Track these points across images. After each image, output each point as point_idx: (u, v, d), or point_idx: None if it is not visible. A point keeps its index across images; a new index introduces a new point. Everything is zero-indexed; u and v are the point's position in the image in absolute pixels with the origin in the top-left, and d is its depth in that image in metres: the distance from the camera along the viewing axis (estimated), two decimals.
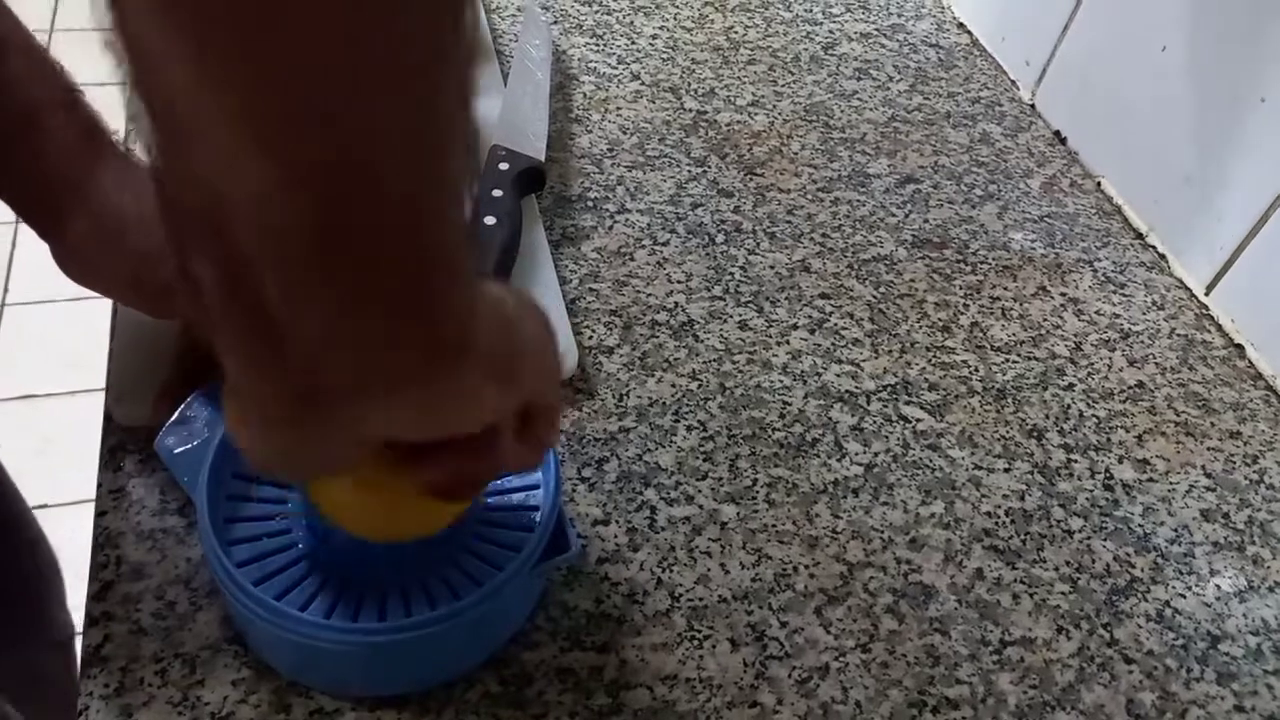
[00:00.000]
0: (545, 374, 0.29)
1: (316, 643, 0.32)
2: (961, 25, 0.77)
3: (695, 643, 0.39)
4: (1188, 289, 0.58)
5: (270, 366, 0.23)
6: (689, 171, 0.61)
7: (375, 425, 0.25)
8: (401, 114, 0.19)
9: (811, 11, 0.76)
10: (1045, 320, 0.55)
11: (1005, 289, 0.57)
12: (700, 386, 0.49)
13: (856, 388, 0.50)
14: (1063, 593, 0.43)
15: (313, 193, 0.19)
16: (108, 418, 0.42)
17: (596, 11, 0.73)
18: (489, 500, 0.38)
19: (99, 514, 0.40)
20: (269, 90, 0.17)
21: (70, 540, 0.72)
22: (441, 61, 0.19)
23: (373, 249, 0.20)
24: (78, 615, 0.48)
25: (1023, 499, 0.46)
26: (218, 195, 0.19)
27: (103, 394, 0.43)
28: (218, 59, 0.17)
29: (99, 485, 0.41)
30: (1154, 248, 0.61)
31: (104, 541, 0.39)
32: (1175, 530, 0.46)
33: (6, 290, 1.56)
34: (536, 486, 0.38)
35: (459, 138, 0.21)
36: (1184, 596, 0.43)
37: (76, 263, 0.38)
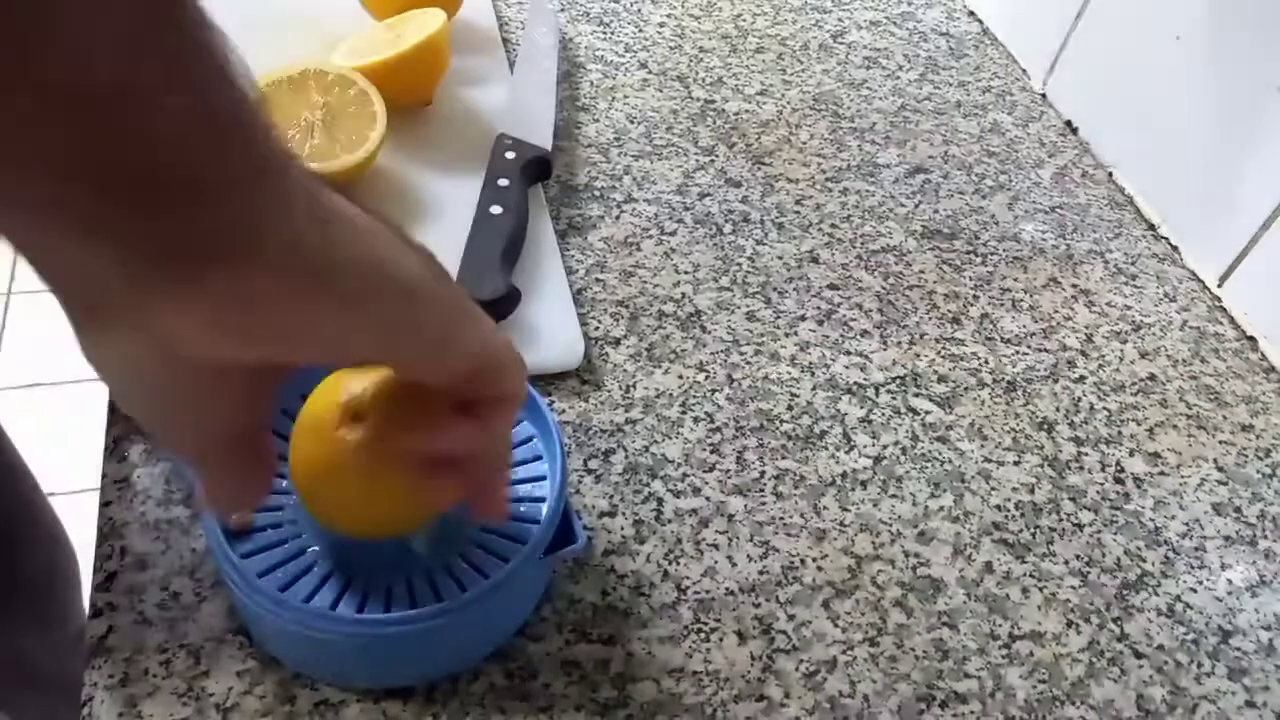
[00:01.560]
0: (437, 325, 0.26)
1: (321, 635, 0.32)
2: (972, 13, 0.77)
3: (702, 635, 0.39)
4: (1200, 281, 0.58)
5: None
6: (696, 161, 0.60)
7: (170, 336, 0.22)
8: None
9: None
10: (1056, 312, 0.55)
11: (1015, 280, 0.56)
12: (707, 378, 0.48)
13: (865, 379, 0.49)
14: (1073, 587, 0.42)
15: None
16: (112, 407, 0.42)
17: None
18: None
19: (104, 504, 0.40)
20: None
21: (73, 530, 0.72)
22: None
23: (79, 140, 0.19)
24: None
25: (1033, 492, 0.46)
26: None
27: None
28: None
29: (104, 475, 0.41)
30: (1166, 239, 0.60)
31: (109, 532, 0.39)
32: (1186, 524, 0.46)
33: (12, 278, 1.57)
34: (543, 478, 0.38)
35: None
36: (1195, 591, 0.43)
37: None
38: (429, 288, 0.26)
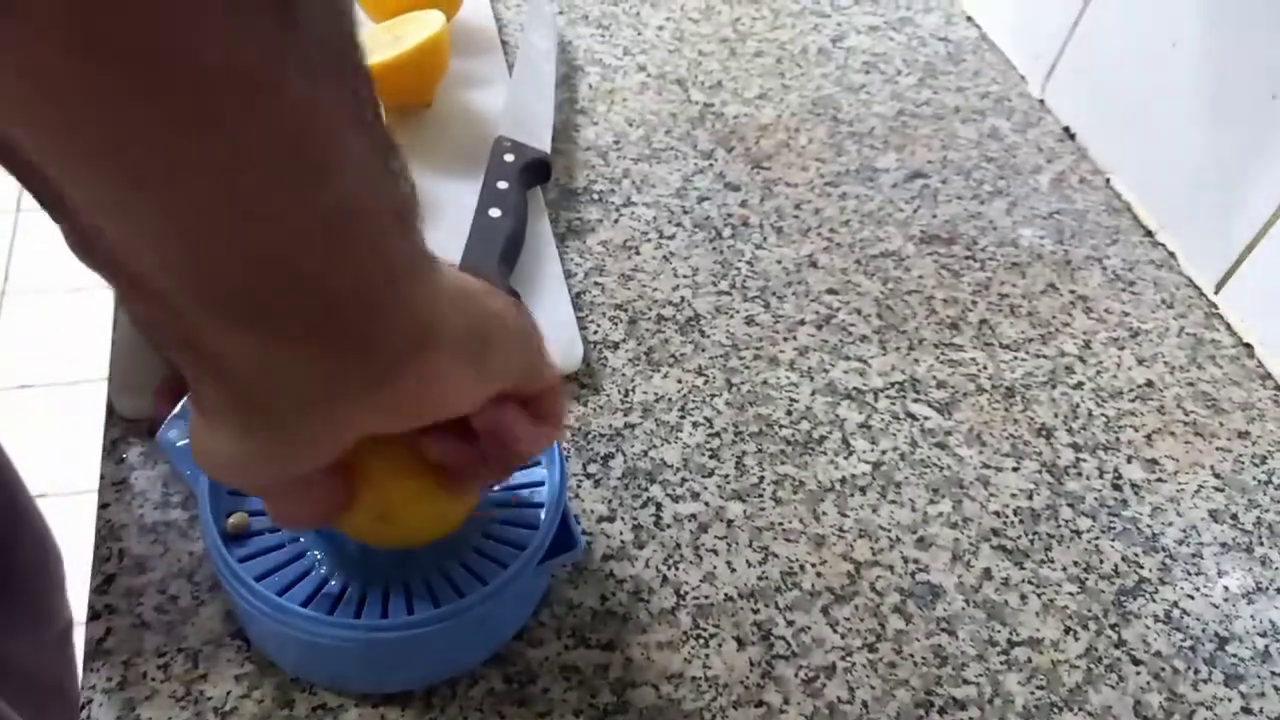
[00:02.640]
0: (523, 355, 0.29)
1: (319, 639, 0.32)
2: (970, 19, 0.77)
3: (701, 641, 0.39)
4: (1197, 287, 0.58)
5: (213, 383, 0.23)
6: (695, 164, 0.60)
7: (343, 429, 0.24)
8: (315, 206, 0.20)
9: (819, 4, 0.76)
10: (1054, 318, 0.55)
11: (1014, 286, 0.56)
12: (706, 382, 0.48)
13: (864, 385, 0.49)
14: (1070, 593, 0.42)
15: (233, 271, 0.20)
16: (110, 410, 0.42)
17: (603, 2, 0.72)
18: (494, 496, 0.37)
19: (101, 506, 0.40)
20: (189, 196, 0.18)
21: (69, 531, 0.72)
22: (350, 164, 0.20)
23: (294, 298, 0.21)
24: (79, 608, 0.48)
25: (1031, 498, 0.46)
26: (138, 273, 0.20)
27: (103, 384, 0.43)
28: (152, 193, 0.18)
29: (101, 477, 0.41)
30: (1163, 245, 0.60)
31: (106, 534, 0.39)
32: (1184, 531, 0.46)
33: (7, 278, 1.56)
34: (541, 483, 0.38)
35: (385, 181, 0.21)
36: (1192, 598, 0.43)
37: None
38: (519, 324, 0.28)
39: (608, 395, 0.47)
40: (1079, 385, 0.51)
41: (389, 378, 0.23)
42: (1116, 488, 0.47)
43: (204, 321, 0.21)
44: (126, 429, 0.42)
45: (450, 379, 0.25)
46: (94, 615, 0.36)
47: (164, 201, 0.18)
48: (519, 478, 0.38)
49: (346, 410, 0.24)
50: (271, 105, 0.17)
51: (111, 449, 0.42)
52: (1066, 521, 0.45)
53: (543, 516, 0.35)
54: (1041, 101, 0.70)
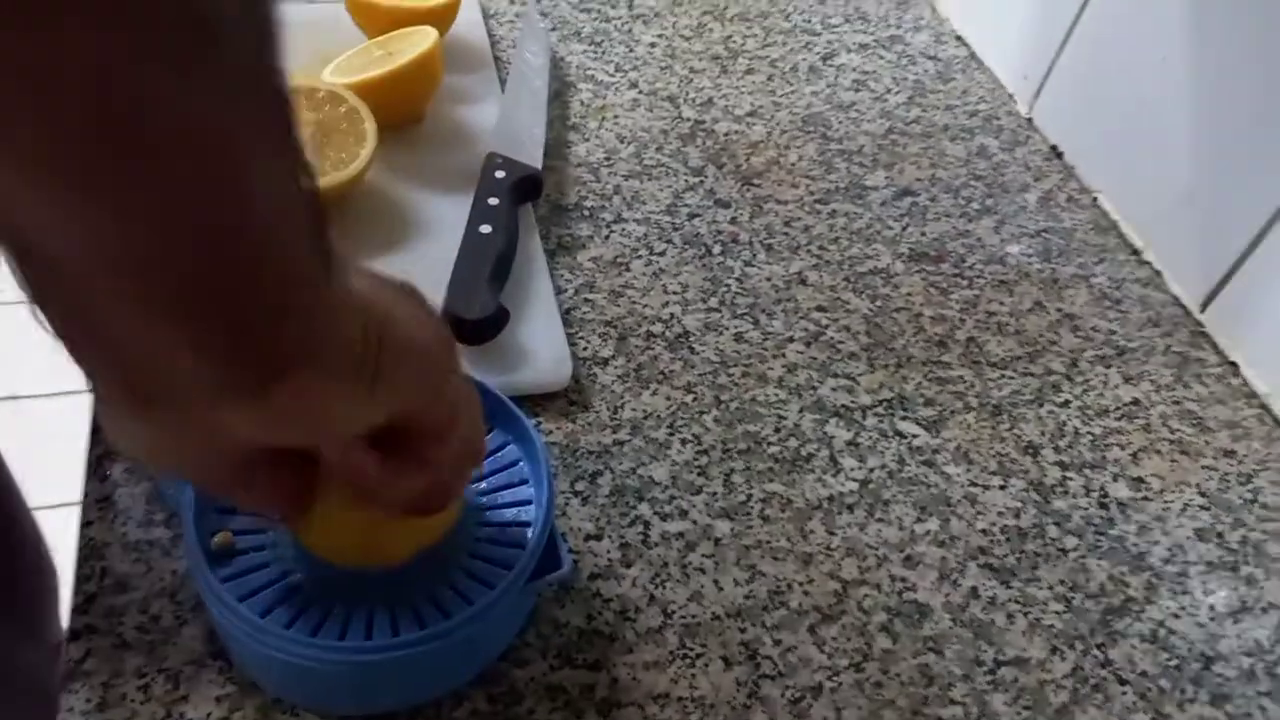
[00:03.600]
0: (423, 382, 0.27)
1: (301, 661, 0.32)
2: (959, 38, 0.77)
3: (688, 661, 0.38)
4: (1183, 306, 0.58)
5: (106, 369, 0.23)
6: (686, 181, 0.61)
7: (225, 432, 0.24)
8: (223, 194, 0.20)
9: (810, 22, 0.76)
10: (1041, 336, 0.55)
11: (1001, 304, 0.56)
12: (695, 399, 0.48)
13: (852, 402, 0.49)
14: (1057, 612, 0.42)
15: (126, 262, 0.20)
16: (95, 427, 0.42)
17: (595, 19, 0.73)
18: (481, 515, 0.37)
19: (84, 524, 0.39)
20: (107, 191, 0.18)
21: (51, 544, 0.71)
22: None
23: (182, 298, 0.21)
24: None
25: (1018, 516, 0.46)
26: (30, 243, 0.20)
27: (87, 397, 0.42)
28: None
29: (85, 494, 0.40)
30: (1149, 264, 0.60)
31: (89, 553, 0.38)
32: (1170, 549, 0.46)
33: None
34: (529, 502, 0.37)
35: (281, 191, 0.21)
36: (1178, 617, 0.43)
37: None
38: (426, 348, 0.27)
39: (597, 412, 0.47)
40: (1066, 403, 0.51)
41: (263, 392, 0.23)
42: (1103, 506, 0.47)
43: (94, 297, 0.21)
44: (111, 446, 0.42)
45: (331, 399, 0.24)
46: (74, 635, 0.36)
47: (71, 199, 0.18)
48: (505, 497, 0.38)
49: (221, 415, 0.23)
50: (185, 127, 0.18)
51: (96, 465, 0.41)
52: (1053, 540, 0.45)
53: (530, 536, 0.35)
54: (1029, 120, 0.70)
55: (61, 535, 0.56)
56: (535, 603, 0.39)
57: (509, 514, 0.37)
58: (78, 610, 0.37)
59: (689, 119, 0.65)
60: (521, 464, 0.39)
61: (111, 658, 0.35)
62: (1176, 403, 0.53)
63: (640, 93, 0.67)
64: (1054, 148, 0.68)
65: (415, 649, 0.32)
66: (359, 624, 0.34)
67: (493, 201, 0.52)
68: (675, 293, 0.54)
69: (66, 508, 1.15)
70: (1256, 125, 0.53)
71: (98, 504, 0.40)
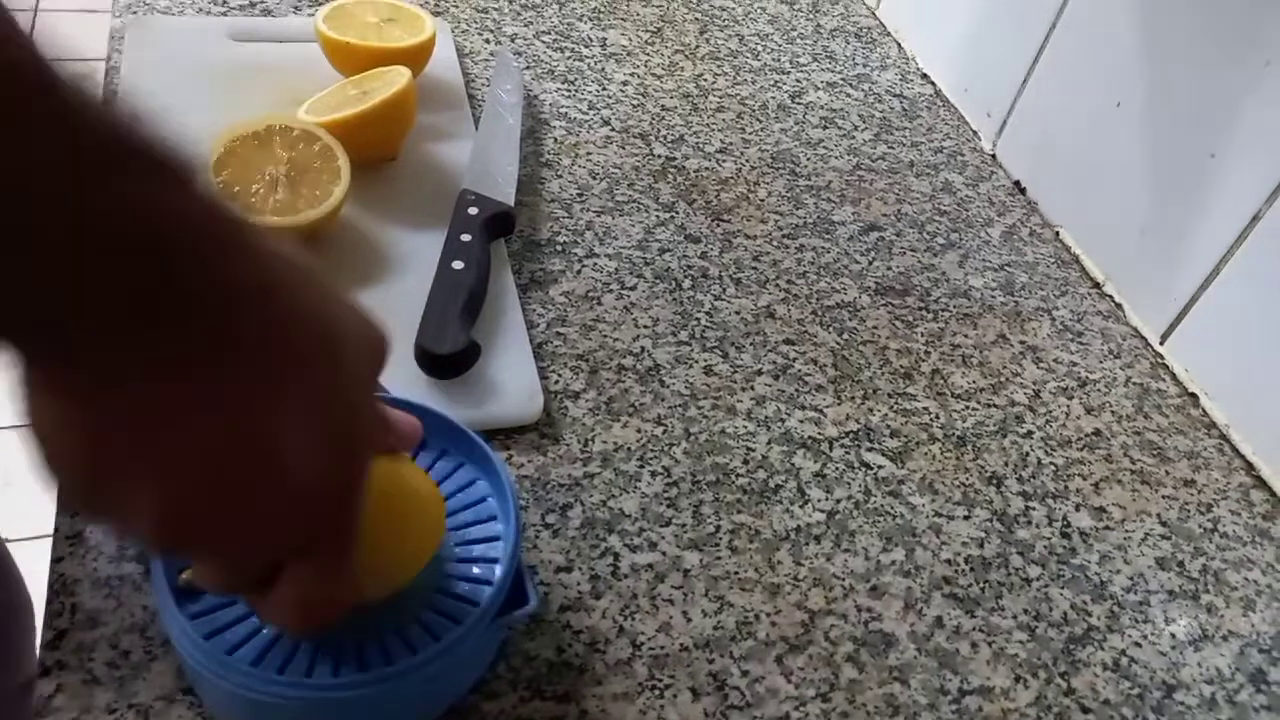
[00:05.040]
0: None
1: (266, 698, 0.32)
2: (925, 76, 0.79)
3: (656, 692, 0.39)
4: (1143, 338, 0.60)
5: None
6: (657, 217, 0.62)
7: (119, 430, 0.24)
8: None
9: (779, 61, 0.78)
10: (1005, 368, 0.56)
11: (966, 336, 0.58)
12: (665, 432, 0.49)
13: (819, 434, 0.50)
14: (1020, 641, 0.43)
15: None
16: None
17: (568, 58, 0.74)
18: (451, 551, 0.38)
19: (55, 560, 0.39)
20: None
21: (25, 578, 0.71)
22: None
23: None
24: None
25: (982, 546, 0.47)
26: None
27: None
28: None
29: (56, 529, 0.40)
30: (1110, 297, 0.62)
31: (59, 589, 0.38)
32: (1131, 579, 0.47)
33: None
34: (497, 539, 0.38)
35: None
36: (1140, 645, 0.44)
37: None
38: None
39: (568, 445, 0.48)
40: (1029, 434, 0.53)
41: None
42: (1065, 536, 0.48)
43: None
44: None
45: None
46: (44, 671, 0.36)
47: None
48: (474, 533, 0.38)
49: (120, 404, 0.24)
50: None
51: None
52: (1017, 570, 0.46)
53: (497, 573, 0.36)
54: (993, 157, 0.72)
55: (32, 569, 0.56)
56: (506, 635, 0.39)
57: (477, 550, 0.38)
58: (48, 646, 0.37)
59: (660, 156, 0.66)
60: (490, 500, 0.39)
61: (81, 694, 0.35)
62: (1137, 433, 0.54)
63: (613, 130, 0.68)
64: (1017, 183, 0.70)
65: (380, 686, 0.32)
66: (327, 661, 0.34)
67: (465, 238, 0.53)
68: (646, 326, 0.54)
69: (37, 540, 1.14)
70: (1209, 164, 0.55)
71: (68, 540, 0.40)
